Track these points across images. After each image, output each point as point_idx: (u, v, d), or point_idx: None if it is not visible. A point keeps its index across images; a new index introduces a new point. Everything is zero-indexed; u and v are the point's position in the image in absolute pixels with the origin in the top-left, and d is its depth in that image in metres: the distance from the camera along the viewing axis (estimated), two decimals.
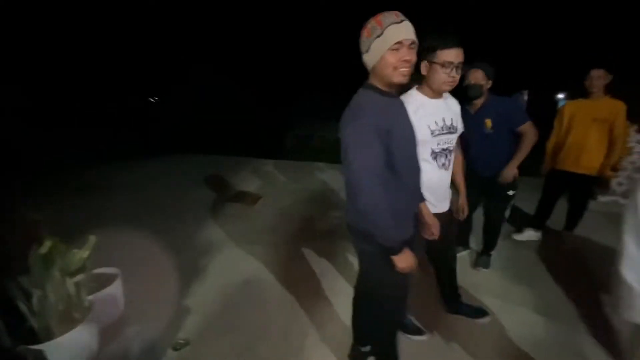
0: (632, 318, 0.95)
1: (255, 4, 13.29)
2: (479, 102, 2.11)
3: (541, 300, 2.07)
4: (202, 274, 2.48)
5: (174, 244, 2.78)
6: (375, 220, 1.10)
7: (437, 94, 1.47)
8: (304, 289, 2.26)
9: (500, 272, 2.38)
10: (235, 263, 2.64)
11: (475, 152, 2.19)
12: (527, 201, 3.10)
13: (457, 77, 1.39)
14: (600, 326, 1.85)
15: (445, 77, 1.37)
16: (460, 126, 1.57)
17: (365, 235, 1.18)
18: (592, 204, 3.09)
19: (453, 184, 1.69)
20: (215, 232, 3.21)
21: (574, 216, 2.75)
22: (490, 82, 2.06)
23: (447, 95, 1.56)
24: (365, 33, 1.08)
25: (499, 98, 2.13)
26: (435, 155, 1.48)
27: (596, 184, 2.69)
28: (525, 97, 10.72)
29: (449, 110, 1.52)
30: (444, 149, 1.50)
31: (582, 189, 2.64)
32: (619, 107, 2.34)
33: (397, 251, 1.16)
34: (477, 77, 2.03)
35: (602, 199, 3.52)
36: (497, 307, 2.00)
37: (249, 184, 4.81)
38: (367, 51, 1.09)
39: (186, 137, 9.06)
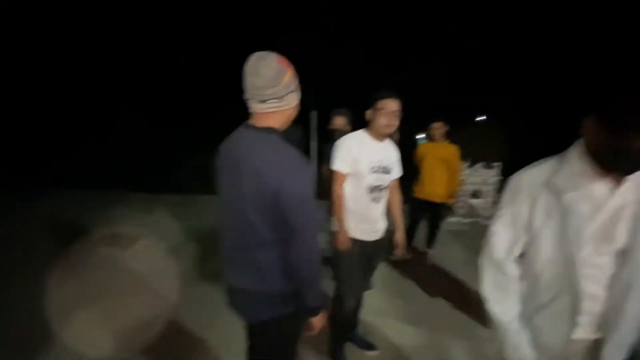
0: (507, 356, 0.97)
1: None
2: None
3: (414, 310, 2.43)
4: (57, 344, 1.97)
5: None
6: (313, 274, 1.02)
7: (379, 136, 1.72)
8: (190, 343, 2.05)
9: (380, 290, 2.68)
10: (102, 321, 2.20)
11: None
12: None
13: (395, 122, 1.67)
14: (464, 327, 2.30)
15: (385, 122, 1.64)
16: (396, 169, 1.83)
17: (279, 300, 1.05)
18: (443, 224, 3.87)
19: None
20: (77, 285, 2.63)
21: (433, 235, 3.37)
22: (349, 126, 2.50)
23: (387, 141, 1.80)
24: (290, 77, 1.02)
25: None
26: (370, 189, 1.71)
27: (444, 208, 3.40)
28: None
29: (386, 153, 1.76)
30: (376, 186, 1.72)
31: (435, 213, 3.28)
32: (455, 150, 3.08)
33: (320, 309, 1.08)
34: (341, 122, 2.49)
35: (451, 220, 4.45)
36: (379, 323, 2.25)
37: (125, 222, 4.18)
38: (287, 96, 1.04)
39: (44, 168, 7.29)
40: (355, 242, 1.75)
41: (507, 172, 4.32)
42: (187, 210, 4.74)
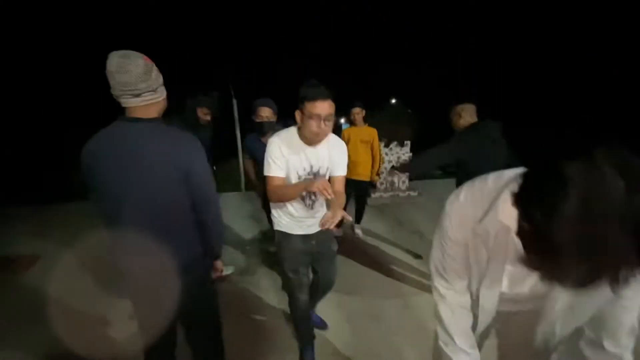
0: None
1: None
2: (270, 134, 2.25)
3: (347, 281, 2.65)
4: None
5: None
6: (222, 228, 1.32)
7: (310, 141, 1.49)
8: None
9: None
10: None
11: None
12: None
13: (327, 128, 1.42)
14: (392, 287, 2.60)
15: (315, 128, 1.39)
16: (335, 170, 1.59)
17: (195, 258, 1.27)
18: (368, 201, 4.24)
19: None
20: None
21: (360, 211, 3.68)
22: (275, 116, 2.39)
23: (328, 140, 1.54)
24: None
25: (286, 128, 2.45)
26: (301, 196, 1.57)
27: (370, 186, 3.72)
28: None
29: (320, 157, 1.54)
30: (308, 193, 1.57)
31: (362, 191, 3.57)
32: (374, 132, 3.37)
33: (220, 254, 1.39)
34: (266, 114, 2.33)
35: (374, 195, 4.88)
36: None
37: (21, 242, 3.48)
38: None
39: None
40: (295, 237, 1.67)
41: (416, 149, 4.92)
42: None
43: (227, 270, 2.80)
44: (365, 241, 3.55)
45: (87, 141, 1.13)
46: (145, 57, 1.10)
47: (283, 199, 1.57)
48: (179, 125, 2.23)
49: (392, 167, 4.88)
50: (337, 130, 3.36)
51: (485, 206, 0.72)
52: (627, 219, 0.44)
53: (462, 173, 2.17)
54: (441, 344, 0.93)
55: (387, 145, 4.96)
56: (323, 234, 1.68)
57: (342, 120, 3.62)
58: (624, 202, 0.44)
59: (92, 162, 1.11)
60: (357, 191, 3.55)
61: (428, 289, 2.31)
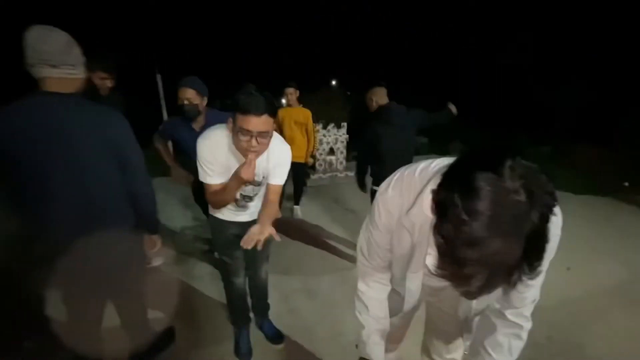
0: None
1: None
2: (200, 120, 2.02)
3: (288, 260, 2.69)
4: None
5: None
6: (153, 200, 1.37)
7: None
8: None
9: None
10: None
11: None
12: None
13: (260, 146, 1.24)
14: (331, 263, 2.69)
15: (244, 144, 1.22)
16: (274, 177, 1.45)
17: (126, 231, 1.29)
18: (307, 182, 4.30)
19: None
20: None
21: (298, 193, 3.70)
22: (205, 98, 2.00)
23: (270, 149, 1.36)
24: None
25: (220, 114, 2.04)
26: (235, 199, 1.48)
27: (306, 167, 3.75)
28: None
29: (258, 167, 1.36)
30: (244, 195, 1.50)
31: (298, 173, 3.58)
32: (308, 114, 3.35)
33: (157, 229, 1.44)
34: (188, 96, 1.93)
35: (313, 177, 4.95)
36: None
37: None
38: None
39: None
40: (229, 223, 1.60)
41: (353, 131, 5.08)
42: None
43: (156, 262, 2.62)
44: (304, 220, 3.61)
45: None
46: (67, 34, 1.10)
47: (222, 205, 1.49)
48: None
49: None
50: None
51: (412, 199, 0.75)
52: (525, 233, 0.47)
53: (373, 155, 2.38)
54: (357, 312, 1.01)
55: (324, 127, 5.03)
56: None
57: (283, 101, 3.55)
58: (524, 218, 0.47)
59: (3, 137, 1.03)
60: (293, 172, 3.55)
61: None
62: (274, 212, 1.42)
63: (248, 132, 1.19)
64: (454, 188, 0.51)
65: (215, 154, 1.33)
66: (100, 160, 1.15)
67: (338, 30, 19.11)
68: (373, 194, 2.54)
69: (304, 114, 3.32)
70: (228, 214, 1.59)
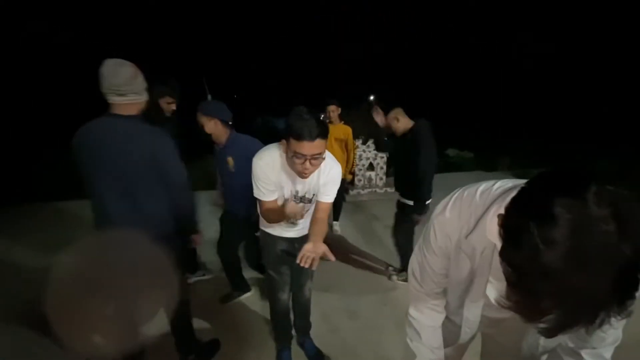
0: None
1: None
2: (223, 138, 2.06)
3: (328, 278, 2.67)
4: None
5: None
6: (192, 206, 1.57)
7: None
8: None
9: None
10: None
11: (225, 188, 2.25)
12: None
13: (313, 167, 1.29)
14: (371, 282, 2.62)
15: (299, 167, 1.27)
16: (323, 195, 1.47)
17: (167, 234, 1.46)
18: (346, 197, 4.28)
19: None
20: None
21: (337, 209, 3.69)
22: (216, 120, 2.00)
23: (321, 168, 1.39)
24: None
25: (241, 137, 2.08)
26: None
27: (345, 183, 3.75)
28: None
29: (306, 183, 1.44)
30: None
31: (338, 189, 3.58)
32: (348, 130, 3.38)
33: (197, 228, 1.65)
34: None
35: (352, 192, 4.93)
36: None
37: None
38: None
39: None
40: (279, 238, 1.64)
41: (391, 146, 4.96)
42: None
43: (196, 277, 2.72)
44: (343, 237, 3.58)
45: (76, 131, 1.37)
46: (134, 65, 1.34)
47: (273, 222, 1.54)
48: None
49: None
50: None
51: (472, 222, 0.70)
52: (614, 268, 0.41)
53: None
54: (408, 340, 0.95)
55: (364, 143, 5.01)
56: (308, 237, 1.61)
57: (320, 117, 3.65)
58: (613, 250, 0.41)
59: (79, 147, 1.34)
60: None
61: (404, 285, 2.35)
62: (324, 229, 1.43)
63: (302, 156, 1.23)
64: (529, 214, 0.46)
65: (268, 173, 1.38)
66: (140, 168, 1.35)
67: (374, 46, 19.28)
68: (400, 206, 2.56)
69: (345, 131, 3.34)
70: (278, 230, 1.63)
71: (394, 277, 2.75)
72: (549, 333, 0.49)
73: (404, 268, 2.67)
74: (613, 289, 0.42)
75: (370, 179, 5.09)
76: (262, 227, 1.69)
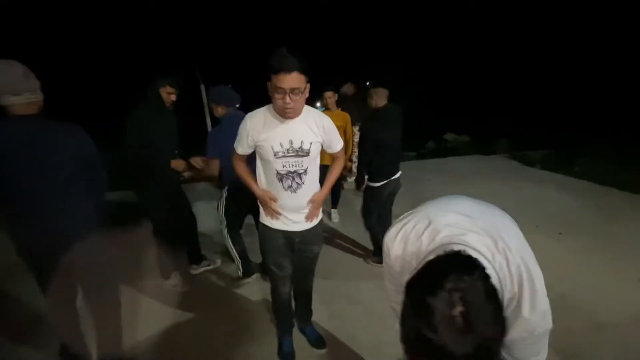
0: None
1: None
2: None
3: (325, 265, 2.69)
4: None
5: None
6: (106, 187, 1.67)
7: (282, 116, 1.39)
8: None
9: None
10: None
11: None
12: None
13: (294, 103, 1.30)
14: (368, 270, 2.65)
15: (280, 102, 1.30)
16: (335, 145, 1.57)
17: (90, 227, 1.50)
18: (344, 185, 4.28)
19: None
20: None
21: (335, 196, 3.70)
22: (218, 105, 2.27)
23: (307, 114, 1.45)
24: None
25: (240, 112, 2.24)
26: (280, 177, 1.46)
27: (343, 170, 3.73)
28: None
29: (299, 131, 1.42)
30: (290, 172, 1.45)
31: None
32: (347, 117, 3.34)
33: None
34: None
35: (349, 180, 4.91)
36: None
37: None
38: None
39: None
40: (279, 232, 1.61)
41: None
42: None
43: (173, 281, 2.53)
44: (342, 224, 3.60)
45: None
46: (24, 65, 1.31)
47: (239, 177, 1.63)
48: (145, 110, 2.17)
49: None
50: None
51: (414, 263, 0.77)
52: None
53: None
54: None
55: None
56: (309, 233, 1.63)
57: (318, 105, 3.59)
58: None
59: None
60: None
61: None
62: (341, 165, 1.68)
63: (282, 90, 1.27)
64: (411, 297, 0.59)
65: (251, 124, 1.44)
66: (59, 163, 1.36)
67: (372, 31, 18.91)
68: (367, 190, 2.66)
69: (343, 118, 3.31)
70: (278, 223, 1.60)
71: (369, 260, 2.82)
72: None
73: (376, 251, 2.77)
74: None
75: None
76: (261, 221, 1.66)
